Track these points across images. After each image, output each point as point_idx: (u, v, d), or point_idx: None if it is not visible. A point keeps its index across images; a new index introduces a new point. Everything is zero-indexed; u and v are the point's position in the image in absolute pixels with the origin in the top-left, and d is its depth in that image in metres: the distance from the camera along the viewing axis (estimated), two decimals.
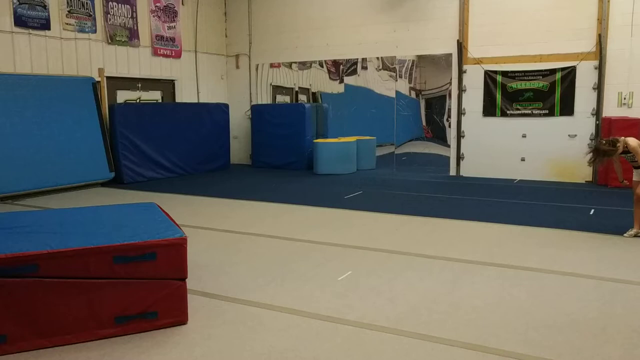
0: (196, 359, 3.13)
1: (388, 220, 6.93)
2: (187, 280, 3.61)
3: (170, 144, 11.01)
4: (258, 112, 12.64)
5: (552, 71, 10.07)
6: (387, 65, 12.17)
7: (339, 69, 12.84)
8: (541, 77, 10.18)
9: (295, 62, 12.98)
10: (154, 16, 11.47)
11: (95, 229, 3.73)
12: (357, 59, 12.30)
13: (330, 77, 13.24)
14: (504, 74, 10.46)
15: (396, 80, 12.01)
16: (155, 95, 11.79)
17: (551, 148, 10.28)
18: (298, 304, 3.95)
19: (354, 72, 12.87)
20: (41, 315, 3.18)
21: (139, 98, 11.35)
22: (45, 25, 9.38)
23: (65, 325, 3.24)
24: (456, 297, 4.12)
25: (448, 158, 11.30)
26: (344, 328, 3.55)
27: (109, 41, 10.55)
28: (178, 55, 12.18)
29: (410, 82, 12.81)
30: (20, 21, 9.00)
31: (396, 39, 11.49)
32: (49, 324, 3.21)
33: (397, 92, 12.06)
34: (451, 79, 11.08)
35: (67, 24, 9.75)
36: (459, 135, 11.03)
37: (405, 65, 12.39)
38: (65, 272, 3.21)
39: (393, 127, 12.07)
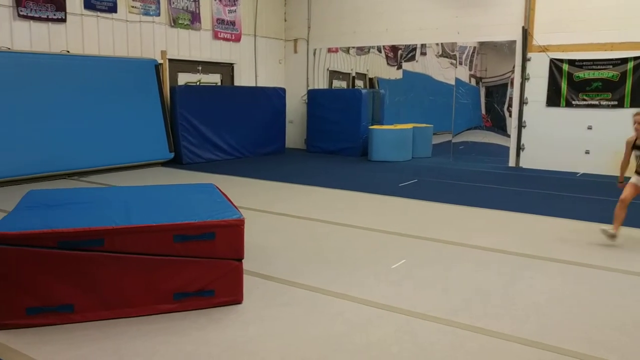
0: (251, 339, 3.18)
1: (443, 210, 6.81)
2: (243, 260, 3.67)
3: (227, 127, 11.19)
4: (314, 97, 12.65)
5: (624, 60, 9.57)
6: (447, 51, 11.89)
7: (397, 54, 12.65)
8: (611, 67, 9.69)
9: (353, 47, 12.89)
10: (215, 0, 11.62)
11: (157, 207, 3.84)
12: (416, 44, 12.08)
13: (388, 63, 13.07)
14: (571, 62, 10.02)
15: (456, 67, 11.73)
16: (214, 79, 11.99)
17: (619, 141, 9.77)
18: (351, 290, 3.95)
19: (413, 58, 12.64)
20: (105, 288, 3.32)
21: (199, 80, 11.58)
22: (112, 8, 9.68)
23: (127, 299, 3.37)
24: (513, 292, 4.01)
25: (507, 148, 10.98)
26: (397, 317, 3.52)
27: (172, 24, 10.78)
28: (238, 39, 12.32)
29: (470, 69, 12.46)
30: (89, 4, 9.32)
31: (458, 25, 11.20)
32: (113, 296, 3.34)
33: (456, 79, 11.79)
34: (514, 67, 10.72)
35: (133, 7, 10.03)
36: (520, 125, 10.68)
37: (466, 52, 12.06)
38: (128, 247, 3.32)
39: (451, 115, 11.82)
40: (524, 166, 10.73)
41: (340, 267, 4.50)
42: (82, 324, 3.29)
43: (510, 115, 11.02)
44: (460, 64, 11.88)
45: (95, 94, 9.05)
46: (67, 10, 9.01)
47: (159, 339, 3.15)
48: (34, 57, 8.44)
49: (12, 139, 7.92)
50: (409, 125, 11.86)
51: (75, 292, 3.27)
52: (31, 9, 8.55)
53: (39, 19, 8.67)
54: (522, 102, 10.62)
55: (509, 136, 10.99)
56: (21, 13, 8.43)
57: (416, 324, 3.43)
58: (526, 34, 10.33)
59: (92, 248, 3.25)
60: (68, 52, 9.01)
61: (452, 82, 11.81)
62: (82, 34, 9.30)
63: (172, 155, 10.18)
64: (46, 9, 8.73)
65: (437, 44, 11.90)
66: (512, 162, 10.89)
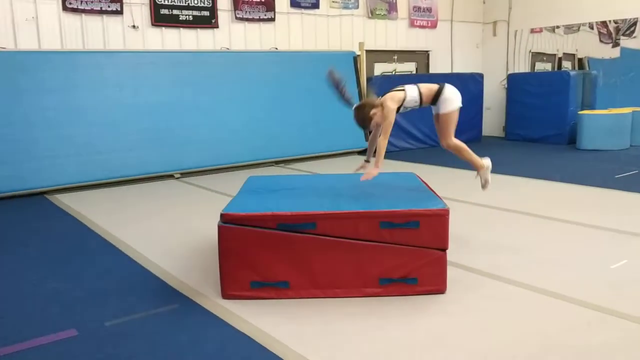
0: (456, 330, 3.14)
1: None
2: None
3: (421, 115, 11.08)
4: (515, 82, 11.93)
5: None
6: None
7: (613, 30, 11.32)
8: None
9: (559, 26, 11.85)
10: None
11: (362, 194, 3.98)
12: (638, 18, 10.67)
13: (600, 40, 11.77)
14: None
15: None
16: (409, 67, 11.99)
17: None
18: (563, 289, 3.65)
19: (631, 33, 11.20)
20: (317, 268, 3.54)
21: (395, 70, 11.68)
22: (315, 4, 10.23)
23: (336, 280, 3.55)
24: None
25: None
26: (621, 322, 3.17)
27: (370, 16, 11.03)
28: (434, 26, 12.14)
29: None
30: (294, 2, 9.98)
31: None
32: (323, 277, 3.55)
33: None
34: None
35: (334, 1, 10.48)
36: None
37: None
38: (338, 232, 3.49)
39: None
40: None
41: (549, 263, 4.20)
42: (295, 300, 3.55)
43: None
44: None
45: (300, 87, 9.66)
46: (276, 10, 9.75)
47: (366, 321, 3.27)
48: (248, 55, 9.32)
49: (231, 130, 8.85)
50: (627, 110, 10.55)
51: (290, 270, 3.54)
52: (246, 12, 9.43)
53: (252, 20, 9.53)
54: None
55: None
56: (238, 16, 9.35)
57: None
58: None
59: (305, 231, 3.49)
60: (276, 49, 9.76)
61: None
62: (288, 31, 10.00)
63: (367, 144, 10.44)
64: (258, 10, 9.55)
65: None
66: None
